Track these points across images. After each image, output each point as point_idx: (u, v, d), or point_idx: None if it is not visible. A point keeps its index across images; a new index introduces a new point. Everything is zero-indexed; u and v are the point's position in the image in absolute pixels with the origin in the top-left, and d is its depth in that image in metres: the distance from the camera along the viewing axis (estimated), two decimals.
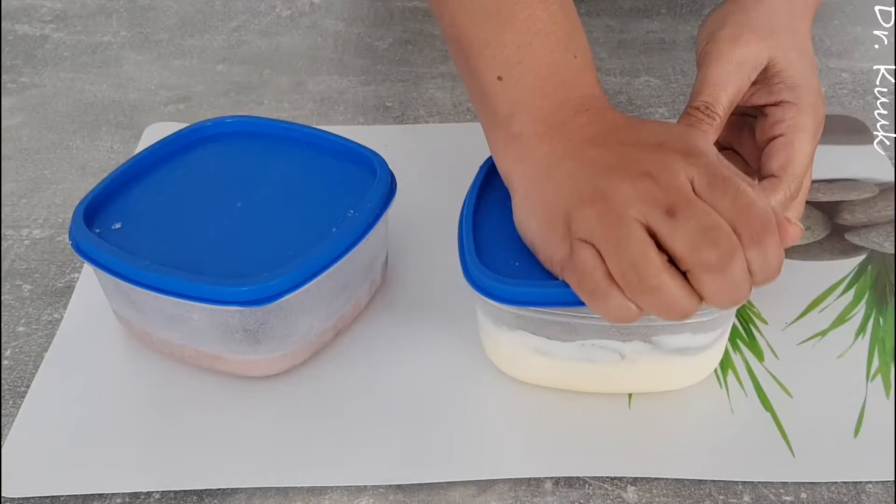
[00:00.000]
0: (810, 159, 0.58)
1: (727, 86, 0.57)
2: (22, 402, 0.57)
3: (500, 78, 0.55)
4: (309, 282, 0.54)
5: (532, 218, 0.53)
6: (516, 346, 0.55)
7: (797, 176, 0.57)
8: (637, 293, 0.47)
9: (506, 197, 0.56)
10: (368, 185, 0.59)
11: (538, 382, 0.57)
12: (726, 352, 0.59)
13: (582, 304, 0.50)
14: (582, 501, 0.51)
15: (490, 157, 0.59)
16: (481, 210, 0.57)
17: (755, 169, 0.59)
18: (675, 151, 0.49)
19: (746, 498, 0.51)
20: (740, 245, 0.46)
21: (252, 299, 0.53)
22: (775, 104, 0.58)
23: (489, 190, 0.58)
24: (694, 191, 0.48)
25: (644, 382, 0.56)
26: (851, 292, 0.63)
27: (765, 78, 0.58)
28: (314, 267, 0.54)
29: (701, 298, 0.48)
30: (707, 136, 0.53)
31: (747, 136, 0.60)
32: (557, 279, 0.51)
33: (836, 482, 0.52)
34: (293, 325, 0.56)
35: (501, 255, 0.54)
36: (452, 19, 0.57)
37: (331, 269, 0.55)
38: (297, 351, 0.57)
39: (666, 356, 0.54)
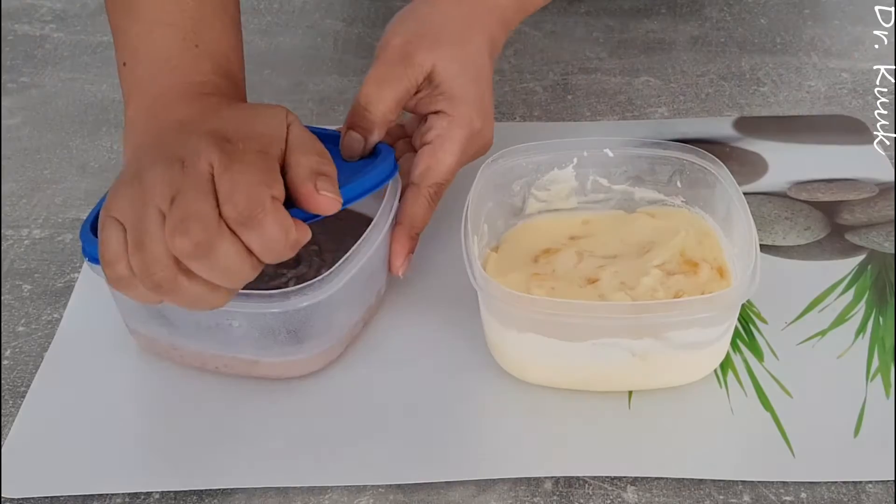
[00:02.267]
0: (452, 169, 0.60)
1: (385, 89, 0.58)
2: (22, 402, 0.57)
3: (124, 64, 0.59)
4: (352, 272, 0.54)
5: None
6: (528, 349, 0.55)
7: (437, 185, 0.59)
8: (144, 277, 0.47)
9: None
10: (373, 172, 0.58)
11: (550, 384, 0.56)
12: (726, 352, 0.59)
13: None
14: (582, 501, 0.51)
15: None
16: None
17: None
18: (212, 135, 0.49)
19: (746, 498, 0.51)
20: (225, 231, 0.46)
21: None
22: (434, 113, 0.60)
23: None
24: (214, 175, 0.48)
25: (655, 378, 0.56)
26: (851, 292, 0.63)
27: (428, 87, 0.60)
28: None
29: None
30: (295, 122, 0.52)
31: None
32: None
33: (836, 482, 0.52)
34: (332, 321, 0.56)
35: None
36: (107, 11, 0.61)
37: (367, 256, 0.55)
38: (333, 348, 0.58)
39: (676, 351, 0.54)
